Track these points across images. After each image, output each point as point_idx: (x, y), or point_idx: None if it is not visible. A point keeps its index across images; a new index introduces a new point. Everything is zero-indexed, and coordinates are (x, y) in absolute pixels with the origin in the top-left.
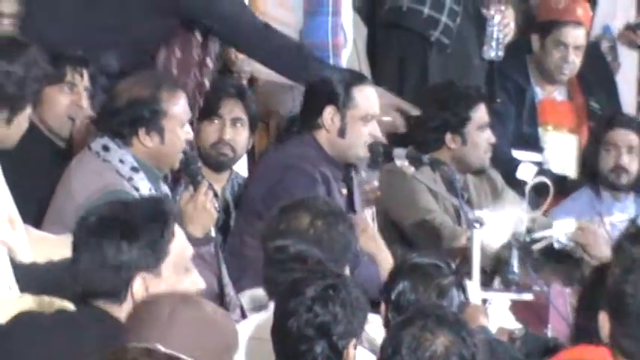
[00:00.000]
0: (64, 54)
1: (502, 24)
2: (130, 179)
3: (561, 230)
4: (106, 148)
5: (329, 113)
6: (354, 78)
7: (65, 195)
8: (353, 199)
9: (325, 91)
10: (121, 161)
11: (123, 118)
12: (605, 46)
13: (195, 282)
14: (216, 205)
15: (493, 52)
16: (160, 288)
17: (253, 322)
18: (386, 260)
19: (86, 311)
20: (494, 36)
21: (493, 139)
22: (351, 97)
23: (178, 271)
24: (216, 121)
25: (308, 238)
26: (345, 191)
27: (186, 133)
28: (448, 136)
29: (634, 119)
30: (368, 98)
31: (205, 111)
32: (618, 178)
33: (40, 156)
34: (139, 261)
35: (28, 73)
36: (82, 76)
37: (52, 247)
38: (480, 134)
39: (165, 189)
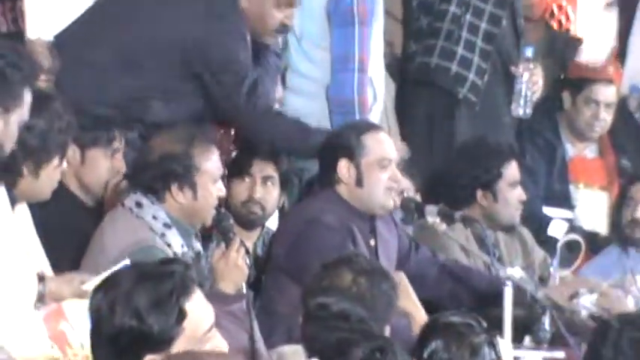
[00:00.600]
0: (113, 117)
1: (531, 81)
2: (162, 235)
3: (587, 300)
4: (139, 205)
5: (343, 166)
6: (363, 126)
7: (99, 251)
8: (378, 251)
9: (336, 144)
10: (154, 217)
11: (155, 173)
12: (633, 104)
13: (215, 347)
14: (248, 261)
15: (521, 109)
16: None
17: None
18: (422, 318)
19: None
20: (523, 94)
21: (524, 197)
22: (363, 145)
23: (193, 344)
24: (246, 179)
25: (351, 296)
26: (373, 243)
27: (219, 189)
28: (479, 193)
29: None
30: (380, 143)
31: (236, 169)
32: (633, 232)
33: (66, 213)
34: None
35: (52, 126)
36: (126, 141)
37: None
38: (511, 191)
39: (197, 246)
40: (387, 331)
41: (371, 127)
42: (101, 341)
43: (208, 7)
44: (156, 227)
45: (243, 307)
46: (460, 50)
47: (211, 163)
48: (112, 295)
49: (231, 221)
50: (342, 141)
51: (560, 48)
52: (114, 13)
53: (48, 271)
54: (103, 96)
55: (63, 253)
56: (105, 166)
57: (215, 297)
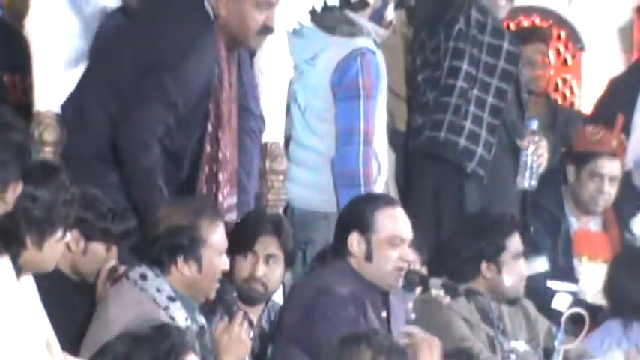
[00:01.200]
0: (128, 212)
1: (536, 154)
2: (166, 308)
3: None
4: (143, 277)
5: (354, 239)
6: (380, 201)
7: (103, 324)
8: (390, 323)
9: (350, 216)
10: (158, 290)
11: (162, 245)
12: (638, 178)
13: None
14: (251, 334)
15: (527, 182)
16: None
17: None
18: None
19: None
20: (528, 166)
21: (528, 271)
22: (376, 221)
23: None
24: (249, 257)
25: None
26: (384, 314)
27: (223, 263)
28: (484, 265)
29: None
30: (395, 221)
31: (240, 245)
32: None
33: (53, 289)
34: None
35: (57, 198)
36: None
37: None
38: (515, 262)
39: (201, 319)
40: None
41: (388, 203)
42: None
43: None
44: (160, 300)
45: None
46: (468, 125)
47: (217, 237)
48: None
49: (235, 294)
50: (356, 214)
51: (562, 121)
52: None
53: (54, 342)
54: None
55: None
56: (103, 257)
57: None
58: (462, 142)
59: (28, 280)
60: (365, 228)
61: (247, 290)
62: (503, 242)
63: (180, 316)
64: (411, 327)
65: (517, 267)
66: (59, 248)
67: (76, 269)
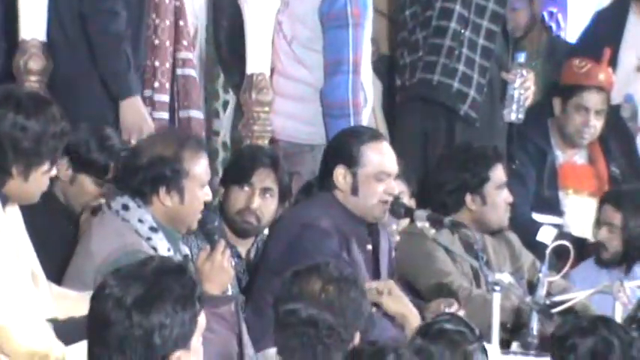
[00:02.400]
0: (115, 147)
1: (523, 87)
2: (148, 239)
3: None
4: (125, 207)
5: (340, 173)
6: (366, 135)
7: (85, 254)
8: (378, 256)
9: (336, 150)
10: (140, 221)
11: (144, 176)
12: (626, 112)
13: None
14: (234, 263)
15: (514, 114)
16: None
17: None
18: (416, 320)
19: None
20: (515, 99)
21: (511, 199)
22: (362, 155)
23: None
24: (246, 188)
25: (319, 303)
26: (370, 247)
27: (205, 194)
28: (468, 198)
29: (621, 196)
30: (381, 155)
31: (237, 177)
32: (598, 254)
33: (53, 215)
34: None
35: (46, 130)
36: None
37: (74, 303)
38: (498, 193)
39: (184, 249)
40: (357, 338)
41: (374, 137)
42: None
43: None
44: (142, 231)
45: (232, 310)
46: (461, 67)
47: (200, 168)
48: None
49: (216, 223)
50: (343, 148)
51: (561, 53)
52: None
53: (39, 272)
54: None
55: (52, 258)
56: (91, 190)
57: (205, 301)
58: (456, 84)
59: (14, 211)
60: (351, 162)
61: (241, 222)
62: (487, 174)
63: (162, 246)
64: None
65: (501, 198)
66: (44, 181)
67: (65, 197)
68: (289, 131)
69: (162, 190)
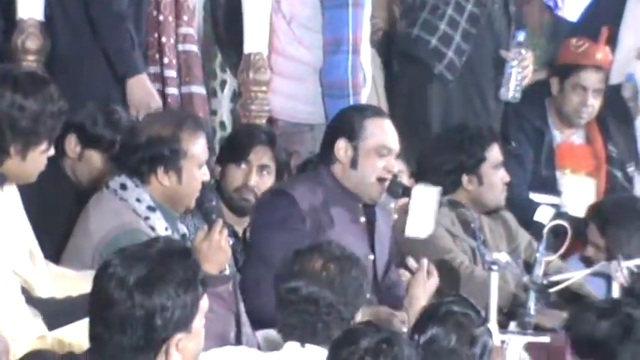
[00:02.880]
0: (119, 119)
1: (521, 66)
2: (146, 218)
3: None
4: (123, 187)
5: (341, 146)
6: (369, 110)
7: (83, 233)
8: (374, 231)
9: (338, 123)
10: (138, 200)
11: (142, 155)
12: (627, 92)
13: None
14: (231, 242)
15: (511, 93)
16: (190, 347)
17: None
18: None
19: None
20: (513, 78)
21: (507, 178)
22: (364, 128)
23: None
24: (243, 166)
25: (320, 281)
26: (363, 219)
27: (203, 174)
28: (465, 178)
29: (607, 220)
30: (383, 131)
31: (234, 155)
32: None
33: (61, 195)
34: (180, 319)
35: (44, 109)
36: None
37: (73, 282)
38: (495, 173)
39: (182, 228)
40: (358, 317)
41: (377, 113)
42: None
43: None
44: (140, 210)
45: (230, 289)
46: (443, 26)
47: (198, 148)
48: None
49: (214, 203)
50: (345, 121)
51: (564, 33)
52: None
53: (37, 252)
54: None
55: (52, 232)
56: (99, 164)
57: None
58: (434, 41)
59: (12, 190)
60: (353, 135)
61: (238, 200)
62: (482, 154)
63: (160, 225)
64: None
65: (497, 177)
66: (42, 160)
67: (74, 174)
68: (288, 111)
69: (160, 170)
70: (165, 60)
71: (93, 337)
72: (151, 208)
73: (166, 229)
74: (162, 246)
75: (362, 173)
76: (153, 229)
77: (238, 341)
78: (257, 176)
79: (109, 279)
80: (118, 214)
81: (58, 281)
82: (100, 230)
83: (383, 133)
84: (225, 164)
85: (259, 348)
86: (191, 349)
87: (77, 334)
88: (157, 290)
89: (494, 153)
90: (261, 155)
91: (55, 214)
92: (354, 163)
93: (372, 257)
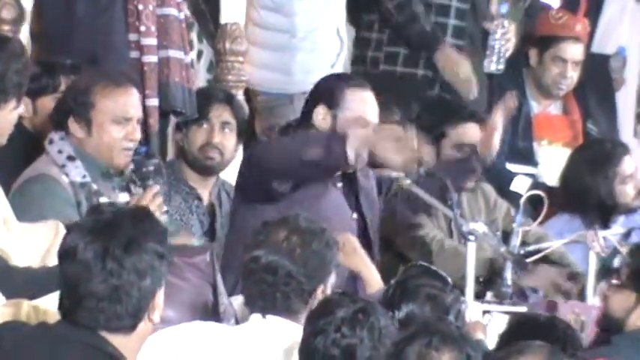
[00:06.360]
0: (57, 63)
1: (504, 38)
2: (62, 166)
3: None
4: (51, 141)
5: (320, 112)
6: (352, 80)
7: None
8: (358, 193)
9: (319, 91)
10: (60, 151)
11: (58, 106)
12: (616, 64)
13: None
14: (165, 209)
15: (494, 65)
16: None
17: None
18: (373, 279)
19: (70, 332)
20: (496, 50)
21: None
22: (344, 99)
23: None
24: (204, 125)
25: (280, 251)
26: (340, 184)
27: (127, 132)
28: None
29: None
30: (363, 102)
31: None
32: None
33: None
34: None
35: (9, 67)
36: None
37: (39, 236)
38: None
39: (124, 196)
40: (321, 291)
41: (360, 84)
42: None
43: None
44: (58, 159)
45: (207, 260)
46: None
47: (113, 103)
48: None
49: (152, 168)
50: (326, 88)
51: (539, 7)
52: None
53: (11, 218)
54: None
55: None
56: None
57: (178, 249)
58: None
59: None
60: (333, 103)
61: (204, 159)
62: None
63: (76, 173)
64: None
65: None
66: (12, 118)
67: (36, 129)
68: (268, 82)
69: (71, 121)
70: (143, 28)
71: (69, 309)
72: (70, 158)
73: (83, 176)
74: (114, 210)
75: None
76: (67, 175)
77: (215, 312)
78: (220, 133)
79: (82, 256)
80: (36, 165)
81: (26, 237)
82: (16, 183)
83: (363, 105)
84: (186, 127)
85: (236, 318)
86: (161, 304)
87: (53, 304)
88: (137, 254)
89: (461, 131)
90: (220, 112)
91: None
92: (332, 131)
93: (355, 216)
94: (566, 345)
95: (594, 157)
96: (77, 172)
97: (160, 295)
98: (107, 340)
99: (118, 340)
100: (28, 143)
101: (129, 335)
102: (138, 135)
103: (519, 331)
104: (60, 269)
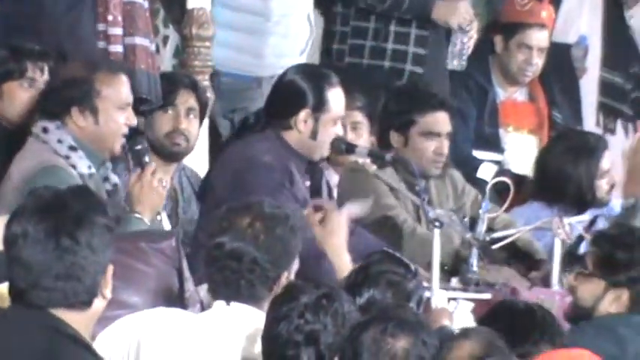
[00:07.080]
0: (24, 48)
1: (467, 36)
2: (67, 157)
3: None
4: (45, 130)
5: (303, 117)
6: (331, 80)
7: (6, 178)
8: (321, 192)
9: (299, 94)
10: (59, 141)
11: (57, 97)
12: (578, 53)
13: None
14: (165, 183)
15: (456, 61)
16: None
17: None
18: (346, 266)
19: (27, 315)
20: (458, 47)
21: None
22: (327, 101)
23: None
24: (170, 111)
25: (245, 237)
26: (308, 183)
27: (127, 117)
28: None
29: None
30: (339, 100)
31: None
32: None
33: None
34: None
35: None
36: (42, 70)
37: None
38: (424, 141)
39: (114, 178)
40: (285, 277)
41: (336, 82)
42: None
43: None
44: (60, 150)
45: (173, 245)
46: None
47: (114, 90)
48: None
49: (146, 145)
50: (311, 92)
51: None
52: None
53: None
54: None
55: None
56: (22, 98)
57: (144, 235)
58: (387, 63)
59: None
60: (319, 107)
61: (170, 145)
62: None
63: (82, 164)
64: (320, 200)
65: (428, 145)
66: None
67: (3, 116)
68: (235, 64)
69: (74, 111)
70: (110, 17)
71: (23, 291)
72: (72, 148)
73: (89, 167)
74: (53, 190)
75: (320, 142)
76: (74, 166)
77: (181, 298)
78: (185, 119)
79: (33, 234)
80: (37, 154)
81: None
82: (20, 172)
83: (340, 103)
84: (150, 113)
85: (202, 304)
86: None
87: None
88: (89, 228)
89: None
90: (186, 98)
91: None
92: (313, 135)
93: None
94: (545, 331)
95: (577, 148)
96: (82, 163)
97: (110, 270)
98: (64, 320)
99: (74, 317)
100: None
101: (85, 311)
102: (134, 120)
103: (498, 317)
104: (8, 255)
